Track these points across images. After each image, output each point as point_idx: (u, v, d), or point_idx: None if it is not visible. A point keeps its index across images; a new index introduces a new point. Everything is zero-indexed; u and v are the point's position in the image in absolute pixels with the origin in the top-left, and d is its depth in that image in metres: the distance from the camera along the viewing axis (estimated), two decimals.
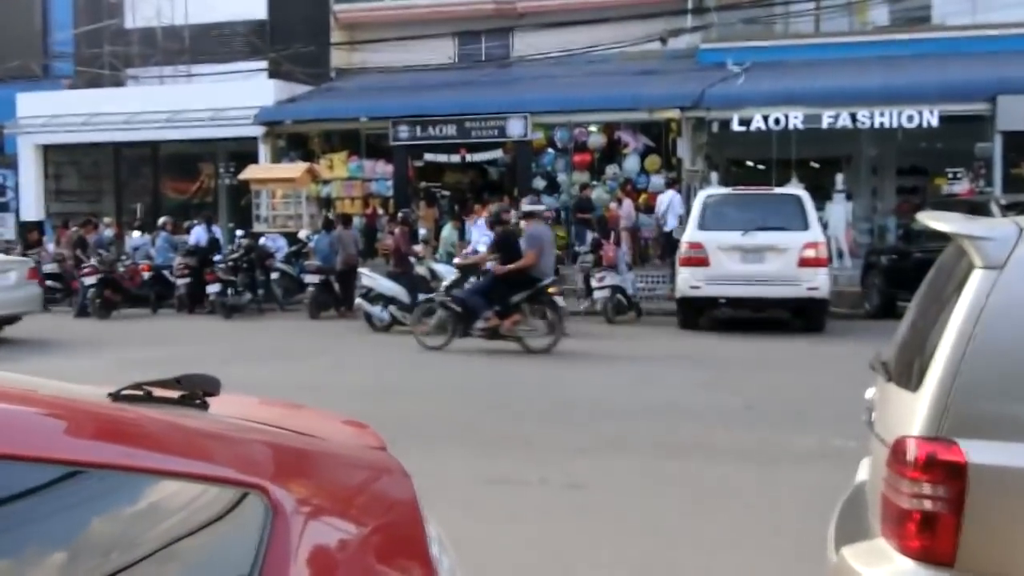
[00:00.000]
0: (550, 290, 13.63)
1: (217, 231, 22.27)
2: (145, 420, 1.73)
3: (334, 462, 2.18)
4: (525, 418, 9.25)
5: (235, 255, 19.62)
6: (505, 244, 13.92)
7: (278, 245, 21.10)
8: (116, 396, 1.81)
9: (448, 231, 18.95)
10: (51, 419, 1.50)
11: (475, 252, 16.70)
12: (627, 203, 21.78)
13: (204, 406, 2.04)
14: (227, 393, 2.25)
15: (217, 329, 17.40)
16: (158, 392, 1.92)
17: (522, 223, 14.87)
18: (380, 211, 23.61)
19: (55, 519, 1.40)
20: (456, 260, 16.89)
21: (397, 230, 17.85)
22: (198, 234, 21.08)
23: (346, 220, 20.38)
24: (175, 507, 1.62)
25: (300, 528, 1.81)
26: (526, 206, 15.41)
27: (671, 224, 20.59)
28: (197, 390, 2.02)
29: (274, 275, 20.10)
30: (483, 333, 13.58)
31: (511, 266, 13.60)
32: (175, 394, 1.98)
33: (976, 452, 3.08)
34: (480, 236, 17.74)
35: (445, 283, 15.09)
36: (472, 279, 14.87)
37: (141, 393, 1.87)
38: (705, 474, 7.26)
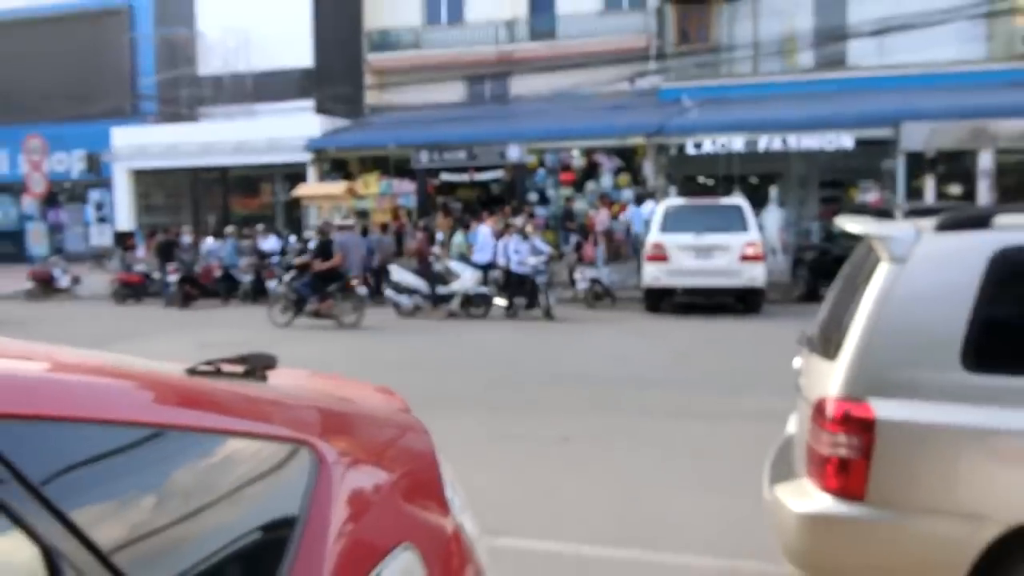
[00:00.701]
0: (352, 283, 14.76)
1: (291, 240, 22.10)
2: (215, 389, 1.72)
3: (367, 421, 2.16)
4: (524, 387, 9.19)
5: (294, 260, 19.54)
6: (324, 250, 15.10)
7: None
8: (192, 371, 1.80)
9: (459, 237, 18.83)
10: (140, 390, 1.50)
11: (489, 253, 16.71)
12: (603, 212, 21.75)
13: (264, 378, 2.01)
14: (282, 367, 2.22)
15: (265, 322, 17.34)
16: (226, 367, 1.91)
17: (335, 234, 15.80)
18: (406, 220, 23.53)
19: (145, 471, 1.40)
20: (295, 260, 17.23)
21: (420, 235, 17.82)
22: (271, 242, 20.99)
23: (384, 228, 20.37)
24: (242, 460, 1.60)
25: (341, 475, 1.79)
26: (339, 220, 16.78)
27: (638, 228, 20.57)
28: (258, 365, 2.01)
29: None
30: (311, 314, 14.75)
31: (325, 265, 14.80)
32: (240, 369, 1.96)
33: (881, 409, 3.10)
34: (485, 241, 17.55)
35: (287, 277, 15.50)
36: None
37: (212, 369, 1.85)
38: (670, 429, 7.23)
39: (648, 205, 20.90)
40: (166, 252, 20.59)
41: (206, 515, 1.47)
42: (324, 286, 14.78)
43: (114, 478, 1.35)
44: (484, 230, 18.16)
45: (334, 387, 2.46)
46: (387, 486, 1.96)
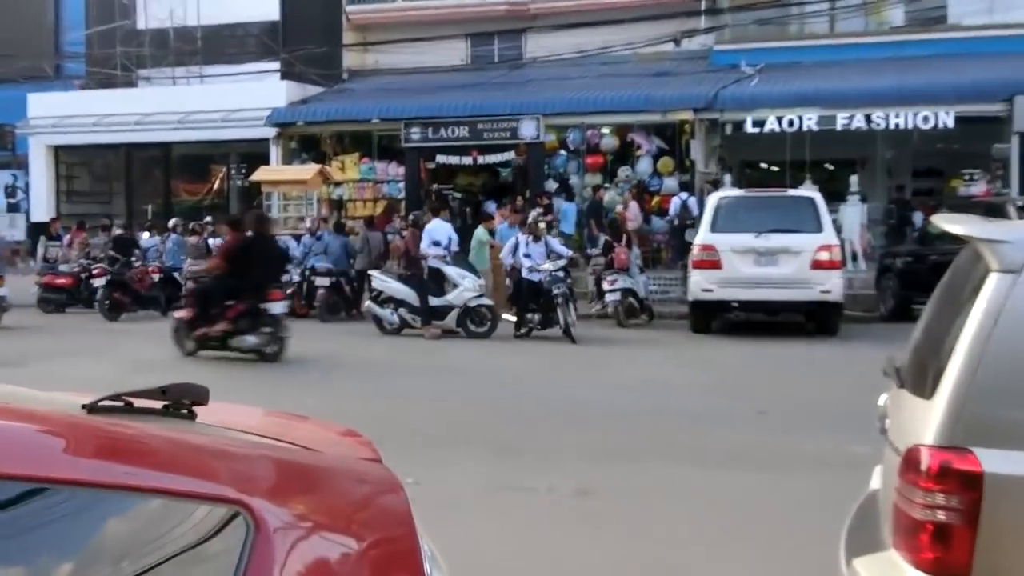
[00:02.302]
0: (273, 297, 13.53)
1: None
2: (118, 432, 1.66)
3: (326, 475, 2.12)
4: (536, 424, 9.18)
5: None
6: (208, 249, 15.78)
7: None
8: (92, 408, 1.74)
9: (481, 233, 18.62)
10: (14, 433, 1.44)
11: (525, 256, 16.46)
12: (633, 205, 21.73)
13: (191, 416, 1.97)
14: (220, 402, 2.18)
15: None
16: (140, 402, 1.85)
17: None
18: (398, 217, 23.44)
19: (11, 542, 1.34)
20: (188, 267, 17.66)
21: (407, 232, 17.78)
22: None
23: (369, 222, 20.44)
24: (147, 527, 1.55)
25: (286, 546, 1.74)
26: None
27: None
28: (183, 399, 1.96)
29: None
30: (197, 340, 13.45)
31: (203, 268, 15.01)
32: (159, 404, 1.91)
33: (992, 461, 3.01)
34: (523, 241, 16.97)
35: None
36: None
37: (119, 404, 1.80)
38: (715, 480, 7.18)
39: (675, 201, 21.03)
40: (124, 250, 20.62)
41: None
42: (215, 301, 13.31)
43: None
44: (515, 230, 18.00)
45: (286, 429, 2.43)
46: (349, 560, 1.90)
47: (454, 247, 17.09)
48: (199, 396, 2.00)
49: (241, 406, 2.68)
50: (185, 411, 1.97)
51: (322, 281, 18.85)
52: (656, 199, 22.44)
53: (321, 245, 19.71)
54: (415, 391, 11.04)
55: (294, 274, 18.61)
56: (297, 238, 20.87)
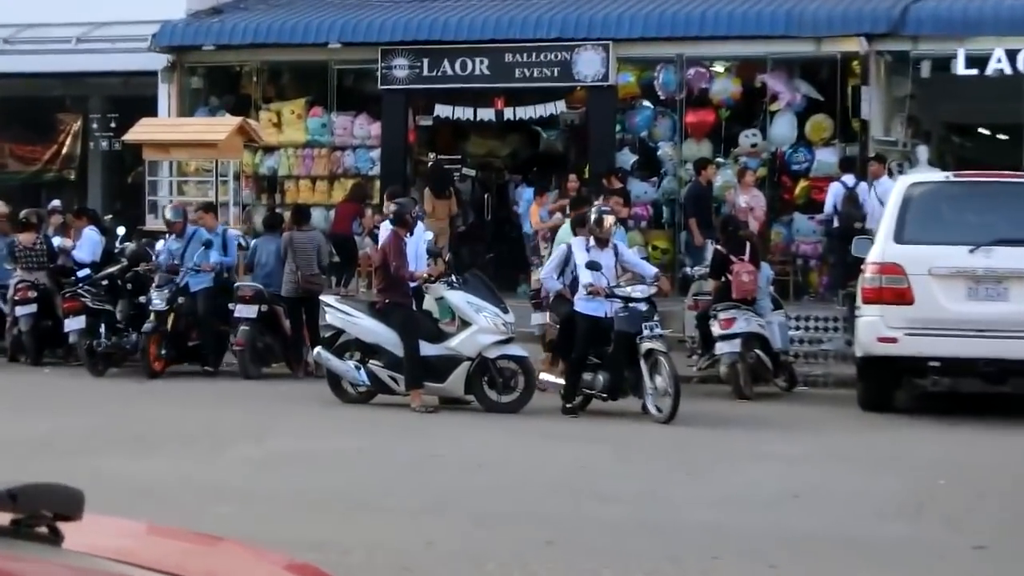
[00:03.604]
0: None
1: (121, 234, 22.07)
2: None
3: None
4: (599, 552, 9.08)
5: (112, 270, 19.60)
6: None
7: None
8: None
9: (565, 231, 18.21)
10: None
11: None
12: (755, 195, 21.58)
13: (55, 539, 2.05)
14: (96, 514, 2.27)
15: (81, 393, 17.55)
16: None
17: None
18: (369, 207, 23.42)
19: None
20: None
21: (384, 231, 17.71)
22: (89, 242, 20.97)
23: (299, 215, 20.47)
24: None
25: None
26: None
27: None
28: (43, 512, 2.04)
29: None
30: None
31: None
32: (5, 518, 2.00)
33: None
34: (579, 252, 16.72)
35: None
36: None
37: None
38: None
39: (835, 189, 20.91)
40: None
41: None
42: None
43: None
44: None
45: (199, 559, 2.50)
46: None
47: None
48: (68, 506, 2.07)
49: (126, 521, 2.81)
50: (45, 530, 2.03)
51: (245, 312, 18.83)
52: (802, 184, 22.42)
53: (232, 251, 19.78)
54: (389, 536, 10.80)
55: (156, 298, 18.57)
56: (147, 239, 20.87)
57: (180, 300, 18.90)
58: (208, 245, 19.07)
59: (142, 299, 19.14)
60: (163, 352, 18.77)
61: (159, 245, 20.27)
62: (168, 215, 20.28)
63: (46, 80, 26.47)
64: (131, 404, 16.59)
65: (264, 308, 19.02)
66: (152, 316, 18.64)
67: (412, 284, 16.78)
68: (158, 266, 19.19)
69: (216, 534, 3.13)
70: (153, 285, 18.90)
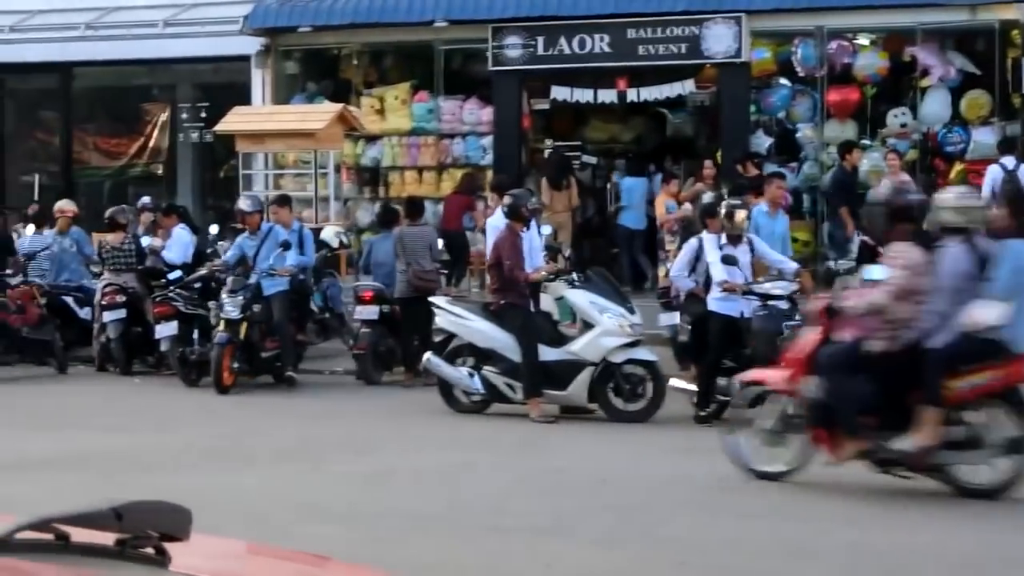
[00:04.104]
0: None
1: (214, 233, 22.13)
2: None
3: None
4: None
5: (204, 272, 19.65)
6: None
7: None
8: (5, 543, 1.91)
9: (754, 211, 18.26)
10: None
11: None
12: (904, 179, 21.21)
13: (162, 560, 2.20)
14: (202, 534, 2.43)
15: (174, 403, 17.84)
16: (80, 534, 2.03)
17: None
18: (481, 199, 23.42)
19: None
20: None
21: (499, 228, 17.55)
22: (180, 241, 21.02)
23: (412, 208, 20.56)
24: None
25: None
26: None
27: None
28: (149, 531, 2.15)
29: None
30: None
31: None
32: (110, 537, 2.10)
33: None
34: (711, 247, 16.46)
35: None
36: None
37: (50, 537, 1.96)
38: None
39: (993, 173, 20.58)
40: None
41: None
42: None
43: None
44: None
45: None
46: None
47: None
48: (176, 525, 2.19)
49: (229, 541, 3.01)
50: (152, 551, 2.14)
51: (366, 313, 18.75)
52: (957, 168, 22.09)
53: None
54: (505, 558, 10.48)
55: (229, 304, 18.52)
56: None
57: (256, 308, 18.71)
58: (286, 247, 18.81)
59: (211, 304, 19.03)
60: (235, 365, 18.59)
61: (220, 244, 20.23)
62: (243, 205, 20.16)
63: (131, 67, 27.39)
64: (226, 416, 16.95)
65: (386, 309, 19.07)
66: (222, 325, 18.38)
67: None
68: (226, 265, 19.07)
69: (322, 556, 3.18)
70: (225, 289, 18.63)
